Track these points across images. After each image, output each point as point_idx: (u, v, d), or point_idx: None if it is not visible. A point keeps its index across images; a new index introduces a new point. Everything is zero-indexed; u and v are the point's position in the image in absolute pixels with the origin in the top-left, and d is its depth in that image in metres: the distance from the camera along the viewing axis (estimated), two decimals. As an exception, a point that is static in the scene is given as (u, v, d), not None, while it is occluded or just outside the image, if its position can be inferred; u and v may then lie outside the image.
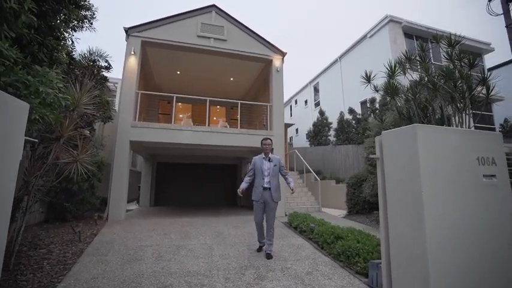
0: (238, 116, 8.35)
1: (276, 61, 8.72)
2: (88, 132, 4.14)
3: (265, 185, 3.81)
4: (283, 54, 8.84)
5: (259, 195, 3.81)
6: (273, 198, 3.79)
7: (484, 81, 5.68)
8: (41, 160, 3.44)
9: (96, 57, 5.89)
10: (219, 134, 7.58)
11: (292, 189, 3.90)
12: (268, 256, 3.68)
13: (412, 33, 11.27)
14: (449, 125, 6.57)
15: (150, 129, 6.93)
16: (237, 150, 9.93)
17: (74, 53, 4.67)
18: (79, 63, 5.35)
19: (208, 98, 8.08)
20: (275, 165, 3.92)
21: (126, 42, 7.34)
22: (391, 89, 6.68)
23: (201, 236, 4.98)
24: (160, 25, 7.70)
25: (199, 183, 11.90)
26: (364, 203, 7.47)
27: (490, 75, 5.69)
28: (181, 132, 7.20)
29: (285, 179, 3.99)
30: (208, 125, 8.06)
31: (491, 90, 5.50)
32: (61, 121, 3.13)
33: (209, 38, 8.09)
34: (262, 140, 4.07)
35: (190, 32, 7.94)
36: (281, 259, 3.65)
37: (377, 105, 10.83)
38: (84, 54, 6.54)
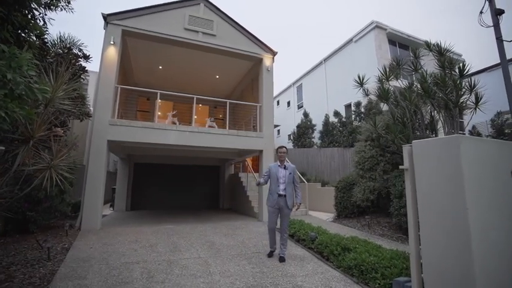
0: (227, 116, 7.92)
1: (267, 60, 8.43)
2: (62, 131, 3.50)
3: (281, 192, 3.91)
4: (273, 53, 8.57)
5: (274, 201, 3.93)
6: (288, 205, 3.92)
7: (471, 90, 5.87)
8: (2, 166, 2.79)
9: (69, 45, 5.10)
10: (207, 135, 7.10)
11: (297, 206, 4.00)
12: (281, 259, 3.83)
13: (395, 40, 11.63)
14: (435, 131, 6.75)
15: (132, 128, 6.26)
16: (224, 151, 9.51)
17: (46, 36, 3.95)
18: (52, 48, 4.58)
19: (195, 96, 7.55)
20: (290, 173, 4.01)
21: (104, 31, 6.59)
22: (384, 94, 6.72)
23: (192, 247, 4.52)
24: (144, 14, 7.03)
25: (179, 185, 11.24)
26: (353, 207, 7.43)
27: (477, 83, 5.91)
28: (167, 132, 6.61)
29: (295, 191, 4.05)
30: (193, 125, 7.55)
31: (481, 99, 5.71)
32: (32, 119, 2.53)
33: (197, 31, 7.57)
34: (277, 148, 4.20)
35: (177, 24, 7.36)
36: (288, 274, 3.35)
37: (362, 109, 10.99)
38: (54, 41, 5.70)
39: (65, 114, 3.76)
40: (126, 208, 9.68)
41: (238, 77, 10.46)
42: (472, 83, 5.82)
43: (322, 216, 8.38)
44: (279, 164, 4.09)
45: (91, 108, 7.36)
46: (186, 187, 11.36)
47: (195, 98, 7.54)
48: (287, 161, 4.24)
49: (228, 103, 8.07)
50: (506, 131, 13.36)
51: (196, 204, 11.35)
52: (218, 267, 3.59)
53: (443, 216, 2.09)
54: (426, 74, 5.76)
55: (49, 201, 5.22)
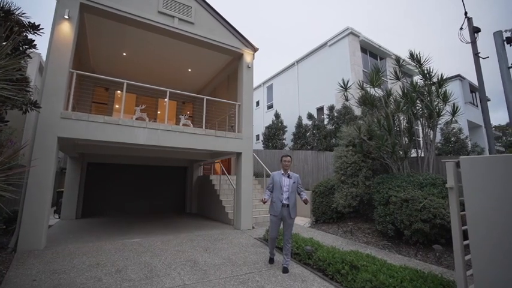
0: (204, 114, 7.16)
1: (247, 56, 7.89)
2: (-3, 125, 2.48)
3: (284, 202, 3.87)
4: (254, 49, 8.08)
5: (278, 210, 3.86)
6: (291, 215, 3.88)
7: (445, 101, 6.16)
8: None
9: (6, 8, 3.78)
10: (182, 134, 6.28)
11: (305, 201, 3.86)
12: (285, 270, 3.78)
13: (366, 48, 12.09)
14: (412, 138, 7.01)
15: (90, 124, 5.16)
16: (196, 152, 8.71)
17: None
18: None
19: (168, 90, 6.65)
20: (294, 182, 3.95)
21: (55, 2, 5.33)
22: (370, 100, 6.73)
23: (171, 270, 3.79)
24: (109, -12, 5.90)
25: (141, 188, 10.05)
26: (332, 212, 7.36)
27: (452, 94, 6.23)
28: (135, 129, 5.63)
29: (299, 193, 4.04)
30: (155, 121, 6.65)
31: (457, 109, 6.02)
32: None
33: (173, 17, 6.68)
34: (282, 157, 4.09)
35: (150, 6, 6.37)
36: (297, 303, 2.91)
37: (335, 113, 11.15)
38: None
39: (1, 104, 2.70)
40: (77, 216, 8.21)
41: (213, 72, 9.71)
42: (448, 94, 6.17)
43: (297, 221, 8.17)
44: (282, 172, 4.04)
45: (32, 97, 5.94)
46: (149, 190, 10.21)
47: (168, 92, 6.63)
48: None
49: (205, 100, 7.31)
50: (452, 139, 15.11)
51: (160, 209, 10.28)
52: (212, 298, 2.97)
53: (507, 243, 1.86)
54: (416, 83, 5.87)
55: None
